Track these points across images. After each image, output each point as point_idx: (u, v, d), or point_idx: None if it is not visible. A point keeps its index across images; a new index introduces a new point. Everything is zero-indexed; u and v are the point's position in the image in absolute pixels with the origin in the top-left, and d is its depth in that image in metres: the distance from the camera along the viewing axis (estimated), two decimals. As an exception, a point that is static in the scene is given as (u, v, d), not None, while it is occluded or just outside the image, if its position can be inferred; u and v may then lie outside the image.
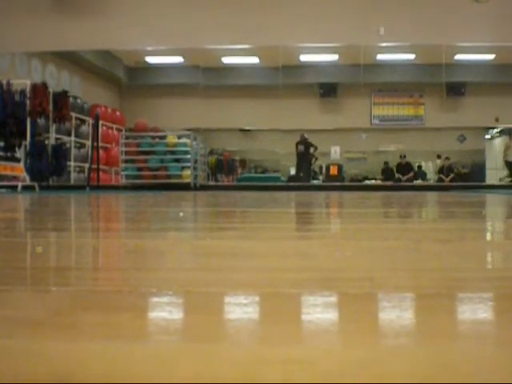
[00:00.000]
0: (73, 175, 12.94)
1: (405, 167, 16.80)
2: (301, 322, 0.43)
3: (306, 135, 16.31)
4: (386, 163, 17.69)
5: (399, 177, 16.52)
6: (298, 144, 16.35)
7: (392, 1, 13.98)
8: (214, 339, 0.37)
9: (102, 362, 0.32)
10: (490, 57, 16.41)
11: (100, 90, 16.66)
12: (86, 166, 12.47)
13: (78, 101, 13.94)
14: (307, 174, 16.57)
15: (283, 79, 17.20)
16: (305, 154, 16.18)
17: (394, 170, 17.08)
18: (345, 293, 0.52)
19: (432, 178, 17.34)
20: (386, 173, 17.27)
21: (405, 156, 16.78)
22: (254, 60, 17.33)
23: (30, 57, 13.79)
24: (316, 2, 13.81)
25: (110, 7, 13.10)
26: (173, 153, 13.05)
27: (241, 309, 0.46)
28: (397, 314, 0.44)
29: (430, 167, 18.01)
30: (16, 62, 13.56)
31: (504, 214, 2.43)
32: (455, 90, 17.39)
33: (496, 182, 15.39)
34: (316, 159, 16.99)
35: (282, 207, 3.10)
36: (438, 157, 17.91)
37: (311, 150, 16.46)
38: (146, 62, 17.68)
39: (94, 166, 10.80)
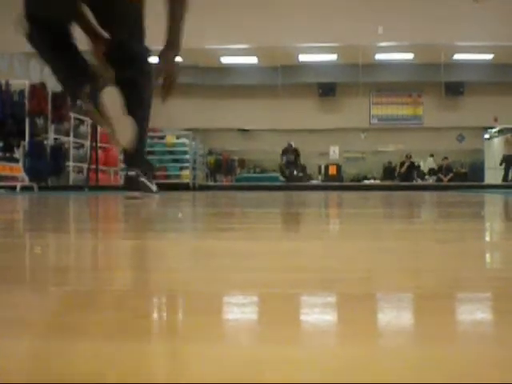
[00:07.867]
0: (71, 175, 12.92)
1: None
2: (300, 322, 0.43)
3: (292, 143, 16.55)
4: (389, 163, 17.80)
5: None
6: (285, 153, 16.43)
7: (391, 0, 13.98)
8: (213, 339, 0.37)
9: (101, 361, 0.32)
10: (489, 56, 16.42)
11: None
12: (85, 166, 12.45)
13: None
14: (304, 175, 16.69)
15: (282, 79, 17.20)
16: (294, 163, 16.43)
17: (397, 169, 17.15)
18: (343, 293, 0.52)
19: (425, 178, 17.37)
20: (390, 173, 17.38)
21: (410, 156, 16.77)
22: (253, 60, 17.32)
23: (28, 57, 13.76)
24: (315, 2, 13.81)
25: (109, 7, 13.08)
26: (171, 153, 13.06)
27: (239, 309, 0.46)
28: (396, 314, 0.44)
29: (428, 166, 18.04)
30: (14, 62, 13.55)
31: (504, 214, 2.43)
32: (454, 90, 17.40)
33: (495, 182, 15.39)
34: (302, 168, 17.19)
35: (281, 208, 3.11)
36: (431, 155, 17.92)
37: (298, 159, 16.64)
38: (144, 62, 17.66)
39: (93, 167, 10.80)
